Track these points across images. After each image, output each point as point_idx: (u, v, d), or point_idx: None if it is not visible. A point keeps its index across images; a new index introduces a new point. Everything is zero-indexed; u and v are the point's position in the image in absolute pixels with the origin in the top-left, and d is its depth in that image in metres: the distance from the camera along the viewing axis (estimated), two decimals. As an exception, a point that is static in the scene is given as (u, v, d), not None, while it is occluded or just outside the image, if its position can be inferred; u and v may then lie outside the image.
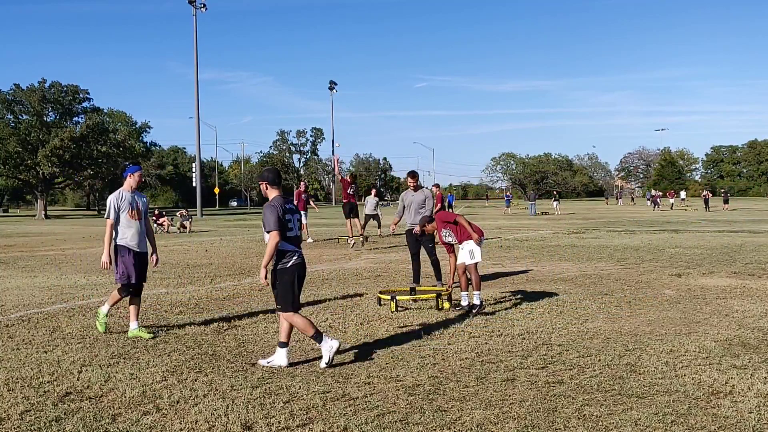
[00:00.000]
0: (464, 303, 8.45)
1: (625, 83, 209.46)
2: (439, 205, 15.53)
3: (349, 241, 18.65)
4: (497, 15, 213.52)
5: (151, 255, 7.52)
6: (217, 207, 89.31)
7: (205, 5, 50.85)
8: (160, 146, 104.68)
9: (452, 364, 5.87)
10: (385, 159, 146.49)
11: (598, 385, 5.18)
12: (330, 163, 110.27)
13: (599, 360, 5.93)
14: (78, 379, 5.51)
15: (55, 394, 5.11)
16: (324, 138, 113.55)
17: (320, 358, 5.93)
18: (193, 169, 59.86)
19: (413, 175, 10.98)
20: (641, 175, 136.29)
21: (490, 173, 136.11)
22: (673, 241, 18.88)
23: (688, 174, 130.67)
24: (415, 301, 8.78)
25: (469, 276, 8.42)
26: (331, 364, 5.75)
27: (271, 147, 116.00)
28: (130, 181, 7.34)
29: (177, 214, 30.36)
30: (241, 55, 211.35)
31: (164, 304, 9.25)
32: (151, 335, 7.12)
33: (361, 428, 4.33)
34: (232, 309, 8.79)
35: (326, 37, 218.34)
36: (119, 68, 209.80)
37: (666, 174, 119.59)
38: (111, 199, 7.20)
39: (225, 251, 18.08)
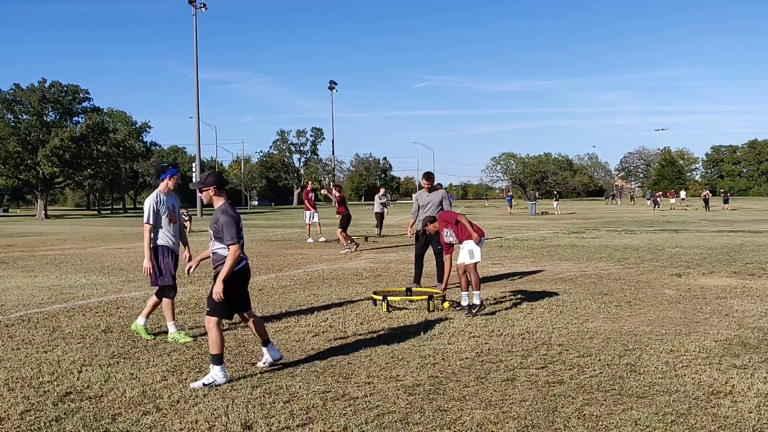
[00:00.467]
0: (464, 303, 8.44)
1: (625, 83, 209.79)
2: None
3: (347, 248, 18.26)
4: (497, 15, 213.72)
5: (184, 253, 7.39)
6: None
7: (205, 5, 50.86)
8: (160, 146, 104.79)
9: (452, 364, 5.87)
10: (385, 159, 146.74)
11: (598, 385, 5.18)
12: (330, 162, 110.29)
13: (599, 360, 5.93)
14: (78, 379, 5.52)
15: (55, 394, 5.11)
16: (324, 138, 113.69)
17: (317, 358, 5.92)
18: (193, 169, 59.77)
19: (428, 176, 10.78)
20: (641, 175, 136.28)
21: (490, 173, 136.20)
22: (673, 241, 18.88)
23: (688, 174, 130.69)
24: (411, 302, 8.77)
25: (469, 276, 8.42)
26: (205, 386, 5.18)
27: (271, 147, 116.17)
28: (169, 183, 7.17)
29: (181, 212, 30.36)
30: (241, 55, 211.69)
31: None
32: (152, 337, 7.09)
33: (361, 428, 4.33)
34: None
35: (326, 37, 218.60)
36: (119, 68, 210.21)
37: (666, 174, 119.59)
38: (150, 203, 6.97)
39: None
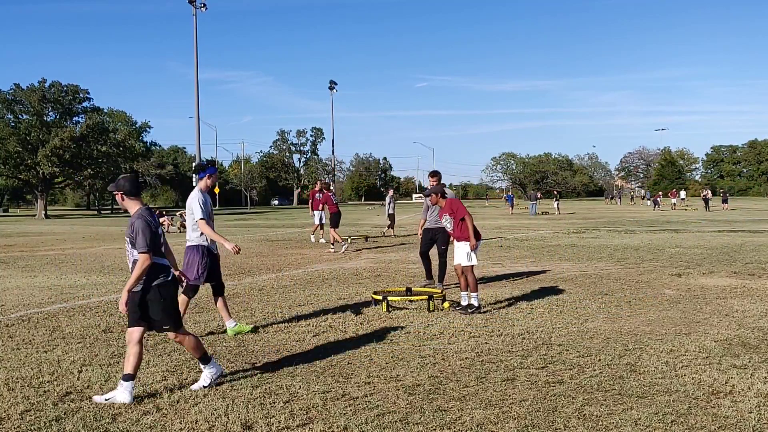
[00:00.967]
0: (464, 303, 8.44)
1: (625, 83, 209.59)
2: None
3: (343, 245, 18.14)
4: (497, 15, 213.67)
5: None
6: (217, 206, 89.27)
7: (205, 5, 50.86)
8: (160, 146, 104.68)
9: (452, 364, 5.87)
10: (385, 159, 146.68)
11: (598, 385, 5.18)
12: (330, 162, 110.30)
13: (599, 360, 5.93)
14: (78, 379, 5.52)
15: (55, 394, 5.11)
16: (324, 138, 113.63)
17: (317, 358, 5.92)
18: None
19: (433, 174, 10.75)
20: (641, 175, 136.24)
21: (490, 173, 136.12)
22: (673, 241, 18.88)
23: (688, 174, 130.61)
24: (410, 302, 8.77)
25: (467, 278, 8.41)
26: (107, 400, 4.89)
27: (271, 147, 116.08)
28: (208, 181, 7.20)
29: (177, 214, 30.33)
30: (242, 55, 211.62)
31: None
32: (251, 327, 7.30)
33: (361, 428, 4.33)
34: (232, 309, 8.77)
35: (326, 37, 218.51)
36: (119, 68, 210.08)
37: (666, 174, 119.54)
38: (197, 200, 7.01)
39: (224, 251, 18.02)
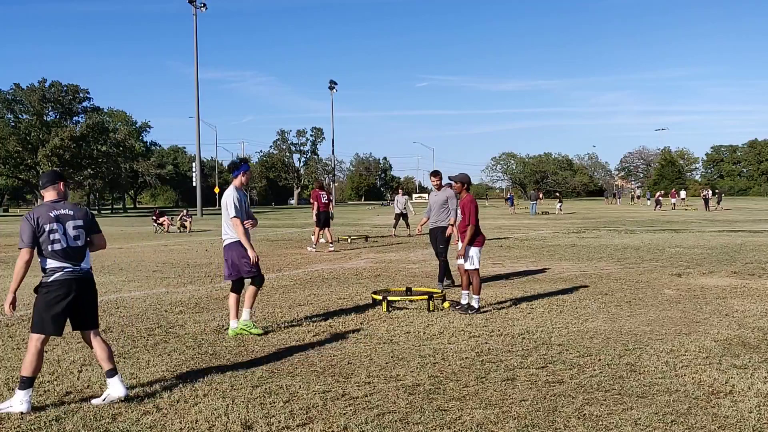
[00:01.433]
0: (464, 301, 8.45)
1: (625, 83, 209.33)
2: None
3: (311, 248, 18.05)
4: (498, 15, 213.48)
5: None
6: (217, 206, 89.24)
7: (205, 5, 50.84)
8: (160, 146, 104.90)
9: (452, 363, 5.87)
10: (385, 159, 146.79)
11: (598, 385, 5.18)
12: (330, 162, 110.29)
13: (599, 359, 5.93)
14: (78, 379, 5.52)
15: (55, 394, 5.11)
16: (324, 138, 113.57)
17: (317, 358, 5.91)
18: (193, 169, 59.84)
19: (435, 173, 10.80)
20: (641, 175, 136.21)
21: (490, 173, 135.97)
22: (673, 241, 18.88)
23: (689, 174, 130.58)
24: (410, 302, 8.77)
25: (470, 279, 8.37)
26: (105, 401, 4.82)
27: (271, 147, 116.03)
28: (243, 178, 7.31)
29: (180, 214, 30.31)
30: (242, 55, 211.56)
31: (164, 303, 9.25)
32: (261, 330, 7.22)
33: (361, 428, 4.33)
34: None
35: (326, 37, 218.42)
36: (119, 68, 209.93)
37: (666, 174, 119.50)
38: (232, 198, 7.12)
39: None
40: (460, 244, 8.50)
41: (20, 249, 4.93)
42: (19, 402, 4.71)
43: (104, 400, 4.85)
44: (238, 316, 7.24)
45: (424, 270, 12.88)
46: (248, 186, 7.41)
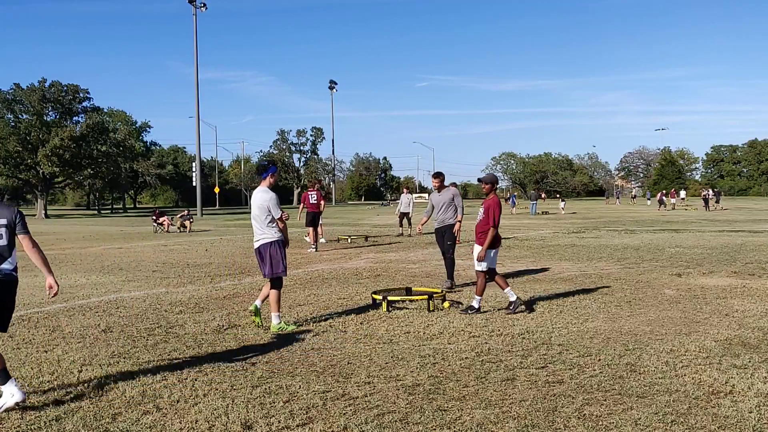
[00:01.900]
0: (475, 305, 8.28)
1: (625, 83, 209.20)
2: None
3: (310, 247, 18.01)
4: (498, 15, 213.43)
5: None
6: (217, 206, 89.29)
7: (205, 5, 50.87)
8: (160, 145, 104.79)
9: (452, 363, 5.87)
10: (385, 159, 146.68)
11: (598, 385, 5.18)
12: (330, 162, 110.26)
13: (599, 360, 5.93)
14: (78, 379, 5.52)
15: (55, 394, 5.11)
16: (324, 137, 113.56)
17: (317, 358, 5.91)
18: (193, 169, 59.84)
19: (437, 175, 10.86)
20: (641, 175, 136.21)
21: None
22: (673, 241, 18.88)
23: (688, 174, 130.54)
24: (411, 302, 8.76)
25: (477, 280, 8.28)
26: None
27: (271, 146, 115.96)
28: (271, 180, 7.71)
29: (181, 214, 30.31)
30: (242, 55, 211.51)
31: (164, 303, 9.25)
32: (294, 326, 7.49)
33: (361, 428, 4.33)
34: (232, 308, 8.79)
35: (326, 37, 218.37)
36: (119, 68, 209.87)
37: (666, 173, 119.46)
38: (274, 199, 7.58)
39: (225, 251, 18.08)
40: (477, 247, 8.31)
41: None
42: (9, 395, 4.64)
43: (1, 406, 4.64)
44: (279, 310, 7.54)
45: (424, 270, 12.88)
46: (273, 187, 7.86)
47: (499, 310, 8.40)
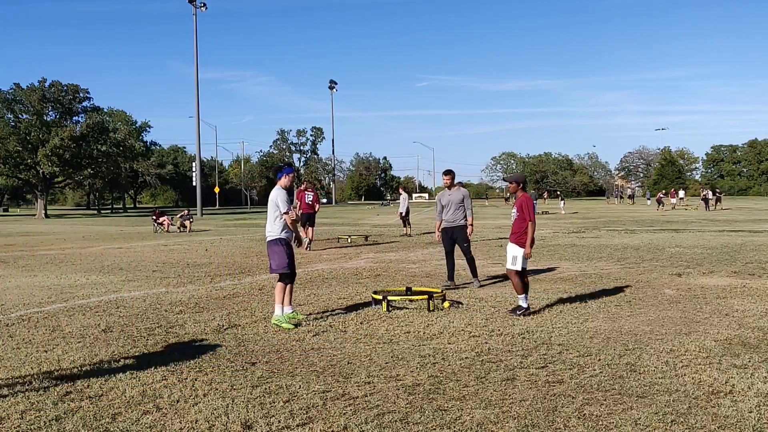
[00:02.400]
0: (523, 304, 8.14)
1: (625, 83, 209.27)
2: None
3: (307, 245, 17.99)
4: (498, 15, 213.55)
5: (294, 241, 8.35)
6: (217, 206, 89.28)
7: (205, 5, 50.88)
8: (160, 145, 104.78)
9: (452, 363, 5.87)
10: (385, 159, 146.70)
11: (598, 385, 5.18)
12: (330, 162, 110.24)
13: (599, 359, 5.93)
14: (78, 379, 5.51)
15: (55, 394, 5.11)
16: (324, 137, 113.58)
17: (317, 358, 5.91)
18: (193, 169, 59.84)
19: (447, 173, 10.73)
20: (641, 175, 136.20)
21: (491, 173, 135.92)
22: (673, 241, 18.88)
23: (689, 173, 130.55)
24: (410, 302, 8.76)
25: (511, 279, 8.18)
26: None
27: (271, 146, 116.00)
28: (285, 180, 7.92)
29: (182, 213, 30.30)
30: (242, 55, 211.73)
31: (164, 303, 9.25)
32: (303, 316, 7.88)
33: (361, 428, 4.33)
34: (233, 308, 8.79)
35: (326, 37, 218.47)
36: (119, 68, 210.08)
37: (666, 173, 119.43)
38: (281, 195, 7.78)
39: (225, 250, 18.08)
40: (512, 246, 8.15)
41: None
42: None
43: None
44: (286, 302, 7.81)
45: (424, 270, 12.88)
46: (290, 188, 8.11)
47: (498, 309, 8.40)
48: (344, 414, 4.59)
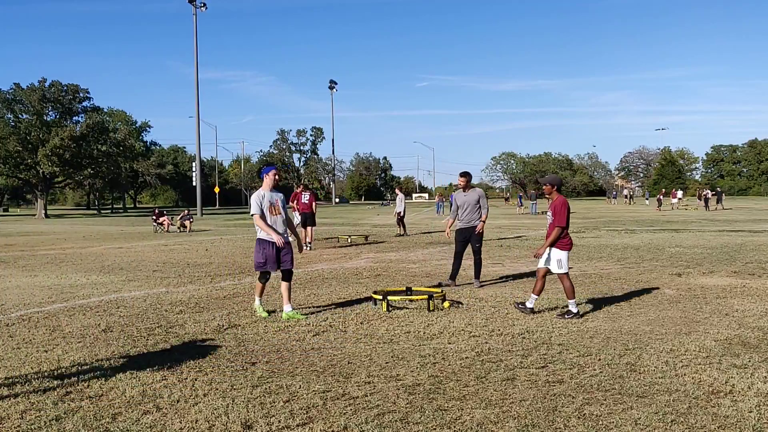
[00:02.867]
0: (529, 305, 8.12)
1: (625, 83, 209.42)
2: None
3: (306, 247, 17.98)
4: (498, 14, 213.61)
5: (293, 240, 8.53)
6: (217, 206, 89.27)
7: (205, 5, 50.86)
8: (160, 145, 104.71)
9: (452, 363, 5.87)
10: (385, 159, 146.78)
11: (598, 385, 5.18)
12: (330, 162, 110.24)
13: (599, 359, 5.93)
14: (78, 379, 5.51)
15: (55, 394, 5.11)
16: (324, 137, 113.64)
17: (317, 358, 5.91)
18: (193, 169, 59.83)
19: (464, 174, 10.76)
20: (641, 175, 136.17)
21: (491, 173, 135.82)
22: (674, 241, 18.88)
23: (688, 173, 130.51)
24: (411, 302, 8.76)
25: (562, 284, 8.06)
26: None
27: (271, 146, 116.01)
28: (267, 180, 8.04)
29: (181, 214, 30.30)
30: (242, 55, 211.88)
31: (164, 303, 9.25)
32: (305, 316, 7.95)
33: (361, 428, 4.33)
34: (233, 308, 8.79)
35: (326, 37, 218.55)
36: (119, 68, 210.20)
37: (666, 173, 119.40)
38: (254, 198, 8.02)
39: (225, 250, 18.08)
40: (555, 251, 8.03)
41: None
42: None
43: None
44: (285, 301, 8.03)
45: (424, 270, 12.88)
46: (276, 186, 8.25)
47: (498, 309, 8.40)
48: (344, 414, 4.59)
